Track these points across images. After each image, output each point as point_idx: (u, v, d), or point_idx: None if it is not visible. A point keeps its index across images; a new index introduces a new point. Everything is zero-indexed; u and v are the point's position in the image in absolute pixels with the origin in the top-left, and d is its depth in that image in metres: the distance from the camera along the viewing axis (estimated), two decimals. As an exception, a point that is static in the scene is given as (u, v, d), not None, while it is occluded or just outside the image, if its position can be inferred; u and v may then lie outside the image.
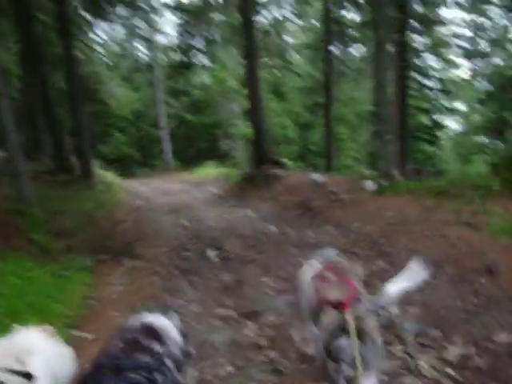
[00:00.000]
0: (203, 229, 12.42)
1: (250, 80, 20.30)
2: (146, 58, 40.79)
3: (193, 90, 39.02)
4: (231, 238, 10.87)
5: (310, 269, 4.29)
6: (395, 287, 3.57)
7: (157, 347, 2.86)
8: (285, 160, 23.60)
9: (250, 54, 19.92)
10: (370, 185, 12.48)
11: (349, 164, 34.20)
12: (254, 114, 20.72)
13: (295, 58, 33.71)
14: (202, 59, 28.62)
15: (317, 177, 15.14)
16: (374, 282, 5.83)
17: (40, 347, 3.07)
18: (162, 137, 38.26)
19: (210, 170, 30.25)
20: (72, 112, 15.11)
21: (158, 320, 3.21)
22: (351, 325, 3.21)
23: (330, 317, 3.45)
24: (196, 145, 41.41)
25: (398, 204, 10.77)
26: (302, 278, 4.33)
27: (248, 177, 20.05)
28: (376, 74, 14.42)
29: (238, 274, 7.91)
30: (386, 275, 5.36)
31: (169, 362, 2.84)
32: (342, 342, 3.25)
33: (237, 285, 7.37)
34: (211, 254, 9.42)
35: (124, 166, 41.75)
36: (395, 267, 7.20)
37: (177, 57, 27.70)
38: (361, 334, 3.24)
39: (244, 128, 29.11)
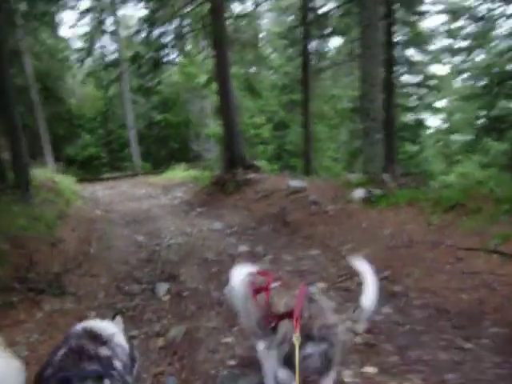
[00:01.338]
0: (159, 248, 10.42)
1: (220, 74, 18.16)
2: (112, 54, 38.49)
3: (161, 88, 36.95)
4: (191, 261, 8.86)
5: (243, 280, 4.20)
6: (369, 300, 3.49)
7: (104, 351, 2.80)
8: (259, 162, 21.79)
9: (220, 44, 17.79)
10: (359, 193, 10.33)
11: (328, 165, 32.44)
12: (224, 112, 18.56)
13: (269, 52, 31.95)
14: (171, 55, 26.89)
15: (295, 183, 13.03)
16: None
17: None
18: (130, 137, 36.06)
19: (180, 173, 28.67)
20: (2, 108, 12.88)
21: (102, 325, 3.13)
22: (297, 340, 3.23)
23: (286, 327, 3.44)
24: (167, 146, 39.62)
25: (397, 219, 8.60)
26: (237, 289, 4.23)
27: (218, 181, 18.07)
28: (364, 64, 12.39)
29: (190, 324, 5.85)
30: (397, 331, 5.07)
31: (118, 364, 2.80)
32: (308, 350, 3.27)
33: (185, 346, 5.29)
34: (161, 289, 7.36)
35: (91, 169, 40.34)
36: (407, 316, 5.28)
37: (144, 53, 25.67)
38: (325, 337, 3.28)
39: (215, 128, 27.34)
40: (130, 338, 3.32)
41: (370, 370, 4.30)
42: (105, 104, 41.14)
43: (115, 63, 31.80)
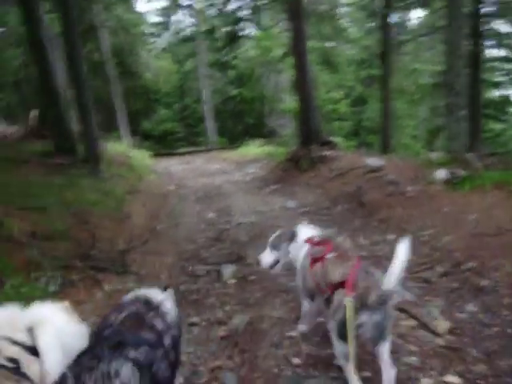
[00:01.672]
0: (229, 227, 10.11)
1: (296, 47, 17.55)
2: (189, 29, 38.34)
3: (237, 62, 36.60)
4: (260, 242, 8.46)
5: (304, 244, 4.43)
6: (394, 276, 3.45)
7: (158, 324, 2.96)
8: (336, 138, 21.07)
9: (296, 16, 17.16)
10: (441, 174, 9.61)
11: (407, 143, 31.28)
12: (300, 86, 17.95)
13: (348, 25, 30.97)
14: (248, 29, 26.55)
15: (372, 161, 12.38)
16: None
17: (53, 321, 3.05)
18: (205, 113, 35.96)
19: (254, 149, 28.36)
20: (73, 81, 12.80)
21: (156, 295, 3.31)
22: (349, 310, 3.36)
23: (342, 295, 3.55)
24: (242, 121, 39.33)
25: (483, 204, 7.81)
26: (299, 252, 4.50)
27: (293, 158, 17.54)
28: (449, 35, 11.56)
29: (254, 313, 5.49)
30: (484, 334, 4.51)
31: (167, 340, 2.94)
32: (362, 318, 3.43)
33: (247, 337, 4.93)
34: (227, 271, 7.05)
35: (167, 143, 40.62)
36: (496, 317, 4.72)
37: (221, 27, 25.30)
38: (377, 307, 3.41)
39: (291, 103, 26.73)
40: (178, 312, 3.43)
41: (452, 379, 3.78)
42: (180, 79, 41.20)
43: (191, 37, 31.58)
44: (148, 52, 34.42)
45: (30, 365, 2.67)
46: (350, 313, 3.38)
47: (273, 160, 20.88)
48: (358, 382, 3.60)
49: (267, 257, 4.89)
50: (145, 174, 17.76)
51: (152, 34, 36.46)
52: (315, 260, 4.08)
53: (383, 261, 6.63)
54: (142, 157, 21.42)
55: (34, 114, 17.44)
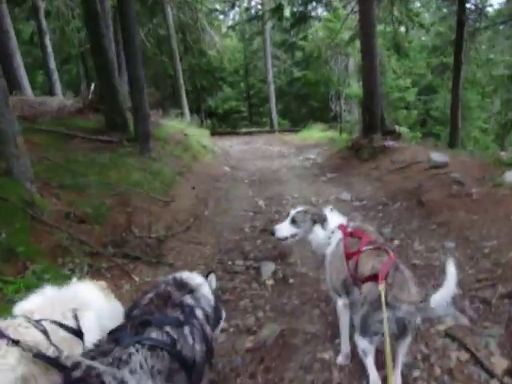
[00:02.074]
0: (278, 217, 9.56)
1: (364, 30, 16.70)
2: (257, 7, 37.70)
3: (304, 44, 35.80)
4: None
5: (337, 230, 4.34)
6: (441, 299, 3.28)
7: (188, 300, 3.02)
8: (401, 128, 20.22)
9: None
10: (511, 176, 8.81)
11: (476, 136, 29.98)
12: (366, 71, 17.13)
13: (421, 9, 29.71)
14: (317, 9, 25.76)
15: (437, 156, 11.53)
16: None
17: (94, 302, 3.21)
18: (270, 93, 35.37)
19: (316, 133, 27.91)
20: (126, 55, 12.41)
21: (192, 276, 3.36)
22: (383, 299, 3.26)
23: (368, 290, 3.53)
24: (306, 104, 38.74)
25: None
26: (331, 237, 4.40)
27: (354, 146, 16.92)
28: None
29: (287, 324, 4.99)
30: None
31: (199, 314, 3.01)
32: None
33: (276, 353, 4.45)
34: (267, 269, 6.57)
35: (231, 122, 40.62)
36: None
37: (287, 5, 24.62)
38: (400, 303, 3.33)
39: (357, 88, 25.94)
40: (218, 296, 3.58)
41: None
42: (246, 57, 40.84)
43: (258, 16, 30.93)
44: (214, 29, 33.94)
45: (74, 347, 2.83)
46: (383, 301, 3.28)
47: (334, 146, 20.37)
48: (377, 375, 3.57)
49: (284, 229, 4.76)
50: (201, 154, 17.36)
51: (219, 11, 35.93)
52: (351, 253, 3.96)
53: (437, 272, 6.01)
54: (200, 135, 20.99)
55: (93, 87, 17.29)
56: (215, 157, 19.24)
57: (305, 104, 39.16)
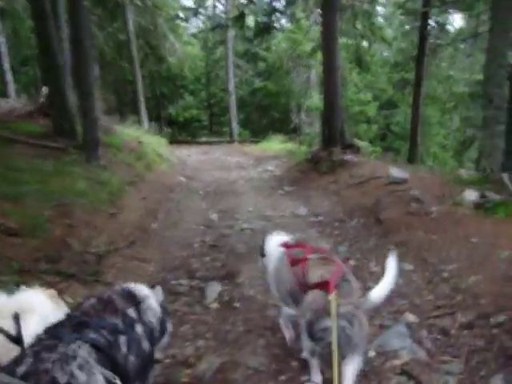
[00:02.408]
0: (230, 233, 9.18)
1: (327, 42, 16.43)
2: (220, 16, 37.32)
3: (266, 55, 35.63)
4: (256, 257, 7.51)
5: (278, 248, 4.41)
6: (380, 292, 3.49)
7: (131, 312, 2.90)
8: (361, 142, 20.07)
9: (329, 9, 16.05)
10: (471, 196, 8.46)
11: (435, 151, 30.08)
12: (327, 83, 16.85)
13: (384, 24, 29.74)
14: (280, 21, 25.68)
15: (396, 172, 11.24)
16: None
17: (40, 308, 3.04)
18: (230, 103, 35.00)
19: (276, 144, 27.71)
20: (74, 59, 11.80)
21: (140, 288, 3.23)
22: (333, 307, 3.23)
23: (314, 297, 3.53)
24: (267, 115, 38.55)
25: None
26: (271, 258, 4.49)
27: (313, 159, 16.63)
28: (492, 41, 10.40)
29: (228, 356, 4.53)
30: None
31: (139, 329, 2.88)
32: (327, 323, 3.26)
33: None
34: (212, 291, 6.12)
35: (191, 131, 40.32)
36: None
37: (249, 14, 24.40)
38: (347, 316, 3.31)
39: (319, 100, 25.77)
40: (166, 309, 3.40)
41: None
42: (206, 66, 40.55)
43: (222, 25, 30.57)
44: (176, 37, 33.48)
45: (10, 354, 2.44)
46: (334, 309, 3.25)
47: (293, 158, 20.15)
48: (319, 374, 3.68)
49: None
50: (155, 163, 16.83)
51: (181, 19, 35.49)
52: (296, 261, 3.97)
53: (394, 298, 5.63)
54: (157, 144, 20.48)
55: (45, 90, 16.59)
56: (171, 166, 18.75)
57: (266, 115, 38.96)
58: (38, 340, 2.45)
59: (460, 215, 7.90)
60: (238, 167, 20.94)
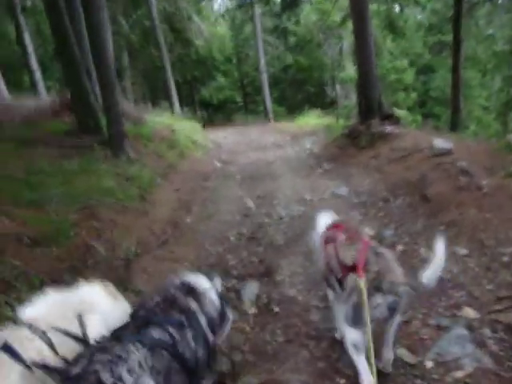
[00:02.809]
0: (268, 221, 8.72)
1: (357, 9, 15.68)
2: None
3: (296, 29, 34.77)
4: (298, 248, 7.00)
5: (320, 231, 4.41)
6: (431, 275, 3.40)
7: (193, 305, 3.06)
8: (399, 111, 19.22)
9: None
10: (528, 165, 7.82)
11: (478, 115, 28.92)
12: (360, 53, 16.11)
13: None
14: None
15: (440, 142, 10.52)
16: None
17: (100, 305, 3.13)
18: (262, 81, 34.30)
19: (313, 120, 27.02)
20: (92, 50, 11.25)
21: (198, 280, 3.40)
22: (363, 291, 3.25)
23: (354, 279, 3.46)
24: (302, 90, 37.81)
25: None
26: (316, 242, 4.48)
27: (351, 133, 15.94)
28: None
29: (268, 373, 4.05)
30: None
31: (202, 320, 3.05)
32: (378, 300, 3.32)
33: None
34: (249, 292, 5.68)
35: (226, 112, 39.93)
36: None
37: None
38: (391, 289, 3.33)
39: (353, 71, 24.97)
40: (224, 298, 3.54)
41: None
42: (236, 45, 39.89)
43: (248, 2, 29.83)
44: (202, 18, 32.90)
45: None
46: (364, 296, 3.26)
47: (331, 134, 19.44)
48: (370, 372, 3.35)
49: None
50: (189, 150, 16.40)
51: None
52: (327, 242, 4.04)
53: (449, 289, 5.08)
54: (190, 129, 20.02)
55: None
56: (206, 152, 18.31)
57: (300, 90, 38.26)
58: (99, 341, 2.57)
59: (518, 189, 7.22)
60: (274, 146, 20.37)
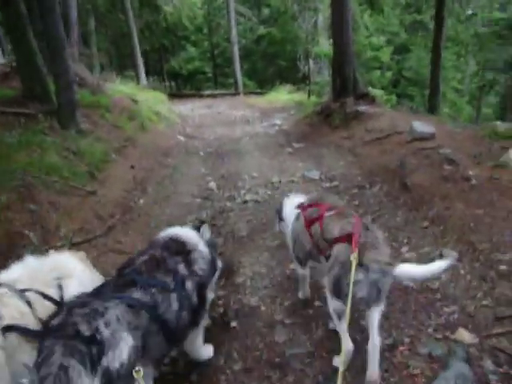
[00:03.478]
0: (230, 206, 7.92)
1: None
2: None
3: (270, -1, 33.78)
4: (262, 241, 6.18)
5: (294, 211, 4.36)
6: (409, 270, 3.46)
7: (181, 268, 3.11)
8: (376, 91, 18.46)
9: None
10: (517, 155, 7.07)
11: (451, 98, 28.32)
12: (336, 27, 15.18)
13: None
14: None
15: (420, 126, 9.72)
16: None
17: (75, 271, 3.23)
18: (234, 53, 33.13)
19: (284, 95, 26.29)
20: (39, 7, 9.95)
21: (187, 234, 3.50)
22: (354, 260, 3.20)
23: (338, 250, 3.46)
24: (274, 64, 36.79)
25: None
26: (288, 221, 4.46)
27: (323, 111, 15.15)
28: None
29: None
30: None
31: (189, 285, 3.10)
32: (359, 276, 3.23)
33: None
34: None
35: (195, 83, 39.06)
36: None
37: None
38: (377, 267, 3.26)
39: (327, 47, 24.08)
40: (214, 247, 3.70)
41: None
42: (208, 14, 38.63)
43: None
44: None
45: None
46: (353, 269, 3.17)
47: (302, 110, 18.64)
48: (349, 340, 3.44)
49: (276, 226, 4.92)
50: (151, 123, 15.32)
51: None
52: (312, 220, 3.94)
53: (437, 302, 4.32)
54: (154, 100, 18.93)
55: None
56: (170, 125, 17.26)
57: (272, 64, 37.24)
58: (78, 296, 2.64)
59: (506, 180, 6.45)
60: (242, 122, 19.46)
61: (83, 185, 7.59)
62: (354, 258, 3.20)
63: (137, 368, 2.41)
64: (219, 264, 3.74)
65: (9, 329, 2.59)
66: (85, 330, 2.29)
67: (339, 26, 14.81)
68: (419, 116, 12.47)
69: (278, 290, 4.84)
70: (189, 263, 3.19)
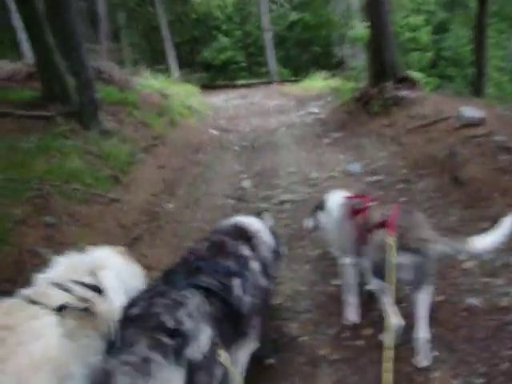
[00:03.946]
0: (265, 208, 7.19)
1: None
2: None
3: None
4: (301, 252, 5.58)
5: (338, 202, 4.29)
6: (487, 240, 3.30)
7: (244, 251, 3.11)
8: (415, 74, 17.61)
9: None
10: None
11: (494, 77, 27.20)
12: (372, 9, 14.48)
13: None
14: None
15: (469, 111, 8.96)
16: None
17: (112, 263, 3.24)
18: (266, 41, 32.53)
19: (319, 82, 25.64)
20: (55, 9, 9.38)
21: (249, 221, 3.53)
22: (391, 244, 3.22)
23: (380, 235, 3.44)
24: (308, 50, 36.09)
25: None
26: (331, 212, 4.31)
27: (362, 97, 14.40)
28: None
29: None
30: None
31: (255, 266, 3.11)
32: (399, 259, 3.23)
33: None
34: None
35: (229, 74, 38.59)
36: None
37: None
38: (419, 249, 3.25)
39: (363, 29, 23.28)
40: (277, 235, 3.66)
41: None
42: (238, 2, 38.08)
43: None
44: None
45: (99, 304, 2.81)
46: (391, 253, 3.21)
47: (338, 97, 17.90)
48: (397, 314, 3.40)
49: (309, 222, 4.70)
50: (182, 117, 14.80)
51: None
52: (357, 211, 3.90)
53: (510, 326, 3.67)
54: (186, 93, 18.47)
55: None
56: (202, 118, 16.76)
57: (306, 50, 36.53)
58: (153, 286, 2.69)
59: None
60: (277, 111, 18.86)
61: (106, 191, 7.05)
62: (392, 240, 3.23)
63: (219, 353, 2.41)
64: (283, 251, 3.81)
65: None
66: (168, 321, 2.27)
67: (375, 7, 14.08)
68: (465, 99, 11.66)
69: (321, 314, 4.24)
70: (252, 249, 3.18)
